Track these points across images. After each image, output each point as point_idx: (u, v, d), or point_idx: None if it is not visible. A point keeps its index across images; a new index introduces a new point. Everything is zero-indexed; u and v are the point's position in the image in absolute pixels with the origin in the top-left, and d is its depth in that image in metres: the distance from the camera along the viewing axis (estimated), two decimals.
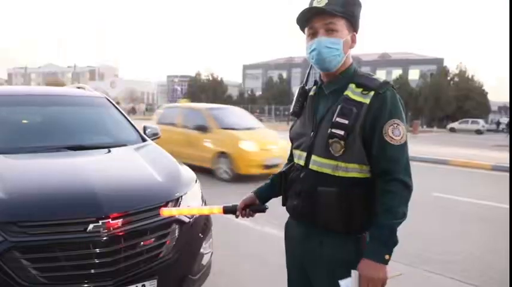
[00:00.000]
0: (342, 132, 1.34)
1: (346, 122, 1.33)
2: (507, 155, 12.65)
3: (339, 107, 1.37)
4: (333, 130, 1.35)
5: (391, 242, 1.32)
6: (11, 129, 3.08)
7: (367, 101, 1.35)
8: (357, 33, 1.44)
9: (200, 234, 2.52)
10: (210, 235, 2.69)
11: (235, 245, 4.01)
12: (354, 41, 1.43)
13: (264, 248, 3.89)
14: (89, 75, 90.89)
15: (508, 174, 9.33)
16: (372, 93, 1.35)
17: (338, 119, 1.35)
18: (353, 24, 1.42)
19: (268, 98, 46.19)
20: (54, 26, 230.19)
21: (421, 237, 4.46)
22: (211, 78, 51.82)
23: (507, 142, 20.73)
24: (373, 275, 1.29)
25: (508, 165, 10.08)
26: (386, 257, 1.31)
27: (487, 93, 44.85)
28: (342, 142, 1.34)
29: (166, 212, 1.92)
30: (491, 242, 4.52)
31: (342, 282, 1.37)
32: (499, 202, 6.36)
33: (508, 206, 5.74)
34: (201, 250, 2.51)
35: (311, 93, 1.54)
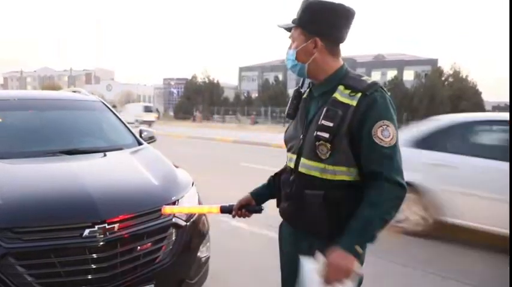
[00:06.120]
0: (326, 135, 1.33)
1: (331, 124, 1.32)
2: None
3: (324, 109, 1.36)
4: (318, 133, 1.34)
5: (364, 234, 1.28)
6: (6, 134, 3.06)
7: (354, 103, 1.33)
8: (321, 36, 1.39)
9: (197, 238, 2.51)
10: (207, 238, 2.68)
11: (233, 249, 3.99)
12: (316, 45, 1.39)
13: (262, 251, 3.87)
14: (85, 79, 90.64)
15: None
16: (359, 95, 1.34)
17: (323, 122, 1.34)
18: (311, 31, 1.40)
19: (265, 100, 46.18)
20: (49, 29, 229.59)
21: (420, 239, 4.46)
22: (207, 81, 51.75)
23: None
24: (339, 263, 1.25)
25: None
26: (357, 248, 1.27)
27: (481, 93, 45.11)
28: (328, 145, 1.33)
29: (168, 209, 1.93)
30: (490, 242, 4.52)
31: (303, 258, 1.33)
32: None
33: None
34: (198, 254, 2.50)
35: (304, 95, 1.54)
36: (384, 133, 1.31)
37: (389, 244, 3.86)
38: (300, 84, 1.59)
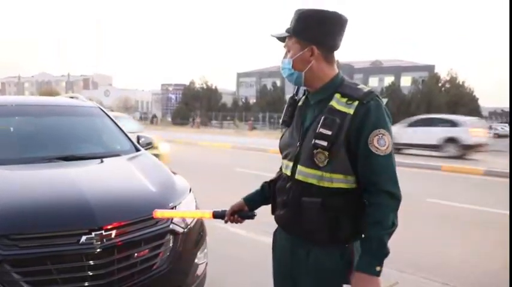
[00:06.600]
0: (325, 143, 1.34)
1: (330, 133, 1.33)
2: (500, 160, 12.78)
3: (322, 117, 1.37)
4: (317, 141, 1.35)
5: (381, 253, 1.31)
6: (3, 140, 3.05)
7: (351, 111, 1.34)
8: (317, 44, 1.40)
9: (194, 244, 2.50)
10: (204, 245, 2.67)
11: (230, 255, 3.98)
12: (313, 53, 1.41)
13: (260, 257, 3.86)
14: (82, 84, 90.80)
15: (501, 179, 9.43)
16: (356, 103, 1.35)
17: (321, 130, 1.35)
18: (307, 39, 1.41)
19: (263, 105, 46.33)
20: (47, 35, 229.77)
21: (416, 244, 4.46)
22: (205, 87, 51.90)
23: (499, 147, 20.93)
24: None
25: (501, 170, 10.20)
26: (378, 268, 1.31)
27: (477, 99, 45.43)
28: (326, 153, 1.34)
29: (159, 214, 1.91)
30: (488, 248, 4.53)
31: None
32: (493, 207, 6.40)
33: (506, 212, 5.78)
34: (196, 261, 2.49)
35: (300, 103, 1.55)
36: (380, 142, 1.33)
37: None
38: (294, 92, 1.60)
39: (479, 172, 10.48)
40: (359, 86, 1.41)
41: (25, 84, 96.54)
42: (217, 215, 1.71)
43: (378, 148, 1.32)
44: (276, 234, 1.64)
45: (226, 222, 1.71)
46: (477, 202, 6.83)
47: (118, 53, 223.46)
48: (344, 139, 1.33)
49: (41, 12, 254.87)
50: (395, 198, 1.34)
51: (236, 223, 1.71)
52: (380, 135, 1.33)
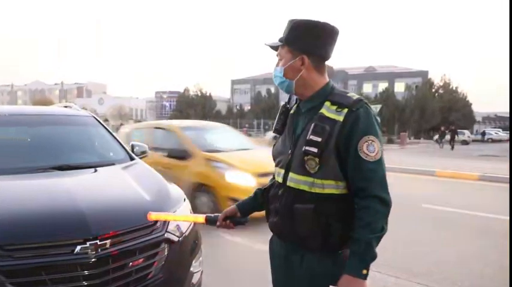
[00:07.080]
0: (315, 150, 1.36)
1: (319, 139, 1.36)
2: (493, 165, 12.89)
3: (312, 125, 1.40)
4: (307, 148, 1.38)
5: (368, 256, 1.32)
6: None
7: (340, 118, 1.37)
8: (308, 54, 1.44)
9: (190, 252, 2.51)
10: (199, 253, 2.67)
11: (225, 263, 3.97)
12: (303, 63, 1.44)
13: (255, 264, 3.86)
14: (76, 92, 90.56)
15: (498, 184, 9.51)
16: (346, 110, 1.38)
17: (311, 137, 1.38)
18: (298, 48, 1.44)
19: (257, 112, 46.51)
20: (41, 42, 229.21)
21: (412, 249, 4.47)
22: (199, 94, 52.02)
23: (493, 152, 21.14)
24: None
25: (495, 175, 10.29)
26: (364, 271, 1.32)
27: (471, 104, 45.91)
28: (317, 159, 1.37)
29: (154, 216, 1.90)
30: (483, 252, 4.55)
31: None
32: (488, 211, 6.43)
33: (500, 216, 5.82)
34: (191, 269, 2.49)
35: (291, 111, 1.57)
36: (370, 148, 1.35)
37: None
38: (286, 100, 1.63)
39: (474, 177, 10.56)
40: (349, 94, 1.44)
41: (18, 92, 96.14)
42: (210, 219, 1.72)
43: (367, 154, 1.35)
44: (271, 241, 1.65)
45: (218, 227, 1.72)
46: (472, 206, 6.88)
47: (112, 61, 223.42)
48: (334, 146, 1.36)
49: (37, 17, 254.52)
50: (385, 203, 1.35)
51: (228, 228, 1.72)
52: (369, 141, 1.36)
